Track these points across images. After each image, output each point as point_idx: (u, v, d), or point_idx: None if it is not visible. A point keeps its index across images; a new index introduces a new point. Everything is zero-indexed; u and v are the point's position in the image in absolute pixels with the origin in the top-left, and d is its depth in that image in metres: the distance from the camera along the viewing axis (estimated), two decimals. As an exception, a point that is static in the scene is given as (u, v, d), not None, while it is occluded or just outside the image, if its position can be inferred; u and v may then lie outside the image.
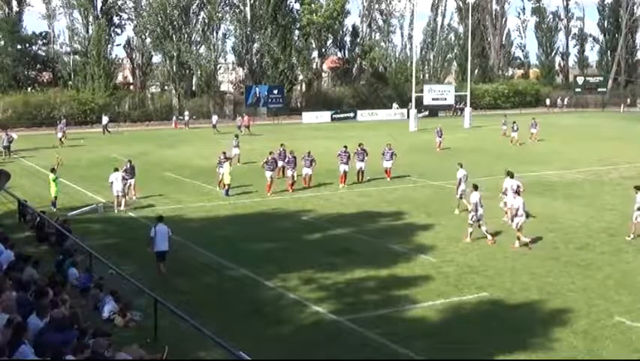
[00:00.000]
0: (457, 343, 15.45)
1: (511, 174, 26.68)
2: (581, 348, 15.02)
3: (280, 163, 36.10)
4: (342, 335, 15.94)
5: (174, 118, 76.35)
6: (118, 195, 29.74)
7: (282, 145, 37.52)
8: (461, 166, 29.08)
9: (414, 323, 16.65)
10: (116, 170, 30.36)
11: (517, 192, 24.58)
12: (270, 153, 34.27)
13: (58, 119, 63.28)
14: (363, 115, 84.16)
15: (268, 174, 33.28)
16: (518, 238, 23.00)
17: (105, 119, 68.17)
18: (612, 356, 14.67)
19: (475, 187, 24.03)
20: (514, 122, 55.26)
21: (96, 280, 18.15)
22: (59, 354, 10.82)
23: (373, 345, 15.29)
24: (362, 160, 35.75)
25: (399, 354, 14.86)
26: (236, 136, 45.64)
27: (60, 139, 55.63)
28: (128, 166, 31.73)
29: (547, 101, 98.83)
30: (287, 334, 15.74)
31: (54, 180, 29.75)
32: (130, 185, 31.45)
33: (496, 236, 23.96)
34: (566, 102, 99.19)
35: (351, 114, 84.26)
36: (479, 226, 23.75)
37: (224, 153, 34.87)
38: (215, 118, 70.29)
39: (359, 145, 36.35)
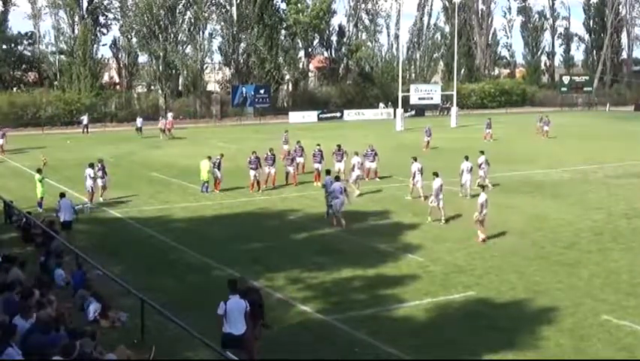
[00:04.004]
0: (444, 342, 15.46)
1: (466, 157, 31.61)
2: (568, 346, 15.07)
3: (299, 160, 37.47)
4: (330, 335, 15.93)
5: (160, 118, 75.88)
6: (88, 191, 30.86)
7: (298, 142, 38.04)
8: (482, 153, 32.80)
9: (401, 322, 16.67)
10: (90, 166, 31.31)
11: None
12: (253, 153, 34.23)
13: None
14: (349, 115, 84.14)
15: (252, 173, 33.62)
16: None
17: (85, 119, 67.63)
18: (599, 354, 14.73)
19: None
20: (546, 116, 61.61)
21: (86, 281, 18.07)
22: (46, 356, 10.74)
23: (361, 344, 15.28)
24: (340, 161, 35.58)
25: (386, 353, 14.86)
26: (286, 131, 46.03)
27: (1, 146, 50.32)
28: (100, 166, 32.03)
29: (579, 100, 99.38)
30: (274, 333, 15.70)
31: (40, 181, 29.55)
32: (100, 185, 31.78)
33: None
34: (588, 100, 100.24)
35: (338, 114, 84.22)
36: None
37: (221, 154, 35.09)
38: (140, 120, 64.56)
39: (337, 146, 36.05)
